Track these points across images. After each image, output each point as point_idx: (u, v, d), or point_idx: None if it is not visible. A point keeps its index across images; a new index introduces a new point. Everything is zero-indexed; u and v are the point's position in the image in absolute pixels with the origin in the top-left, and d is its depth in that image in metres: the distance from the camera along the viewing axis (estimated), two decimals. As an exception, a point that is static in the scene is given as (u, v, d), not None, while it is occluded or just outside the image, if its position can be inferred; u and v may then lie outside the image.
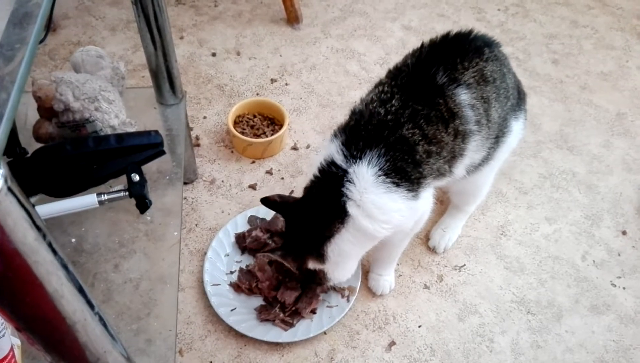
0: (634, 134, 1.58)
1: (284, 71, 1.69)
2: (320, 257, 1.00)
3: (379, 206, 0.94)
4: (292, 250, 1.03)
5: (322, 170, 0.99)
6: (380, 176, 0.93)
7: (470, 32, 1.07)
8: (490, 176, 1.23)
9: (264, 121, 1.51)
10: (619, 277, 1.29)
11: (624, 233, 1.36)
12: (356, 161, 0.94)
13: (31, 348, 0.80)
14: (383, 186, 0.93)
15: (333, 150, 0.97)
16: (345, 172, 0.94)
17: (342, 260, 1.02)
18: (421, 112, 0.96)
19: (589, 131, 1.58)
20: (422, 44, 1.05)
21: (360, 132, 0.96)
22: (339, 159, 0.95)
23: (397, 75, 1.02)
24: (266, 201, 1.08)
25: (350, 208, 0.94)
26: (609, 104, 1.65)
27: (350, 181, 0.93)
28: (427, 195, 1.02)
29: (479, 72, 1.01)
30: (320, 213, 0.98)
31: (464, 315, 1.22)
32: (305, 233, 1.01)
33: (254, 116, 1.51)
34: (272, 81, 1.66)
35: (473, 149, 1.04)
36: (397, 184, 0.94)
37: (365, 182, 0.93)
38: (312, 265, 1.02)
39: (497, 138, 1.10)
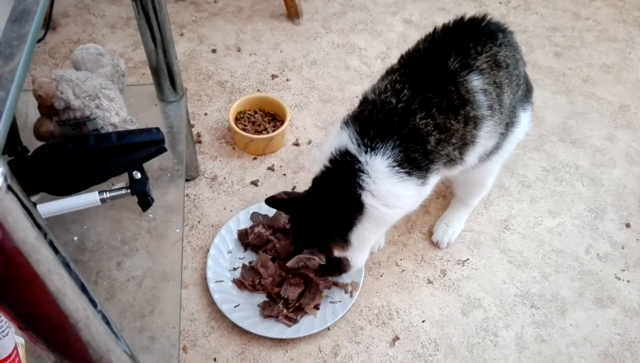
0: (637, 127, 1.57)
1: (284, 66, 1.68)
2: (345, 244, 1.01)
3: (394, 195, 0.96)
4: (315, 243, 1.02)
5: (333, 160, 0.99)
6: (394, 166, 0.94)
7: (484, 17, 1.06)
8: (496, 168, 1.22)
9: (265, 117, 1.50)
10: (623, 270, 1.28)
11: (627, 225, 1.36)
12: (369, 152, 0.95)
13: (35, 347, 0.80)
14: (396, 176, 0.95)
15: (345, 139, 0.97)
16: (359, 162, 0.95)
17: (363, 245, 1.04)
18: (433, 101, 0.96)
19: (592, 123, 1.57)
20: (435, 29, 1.04)
21: (374, 123, 0.96)
22: (353, 149, 0.96)
23: (408, 61, 1.02)
24: (272, 201, 1.07)
25: (367, 198, 0.96)
26: (611, 97, 1.64)
27: (363, 172, 0.95)
28: (434, 181, 1.03)
29: (492, 57, 1.01)
30: (339, 204, 0.98)
31: (467, 309, 1.22)
32: (327, 223, 1.00)
33: (255, 112, 1.51)
34: (273, 76, 1.65)
35: (485, 136, 1.04)
36: (410, 174, 0.96)
37: (380, 173, 0.94)
38: (337, 253, 1.02)
39: (507, 125, 1.10)
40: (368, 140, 0.95)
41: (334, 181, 0.99)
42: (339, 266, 1.05)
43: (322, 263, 1.02)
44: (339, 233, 1.00)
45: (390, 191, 0.96)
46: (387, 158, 0.94)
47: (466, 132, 1.00)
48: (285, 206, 1.08)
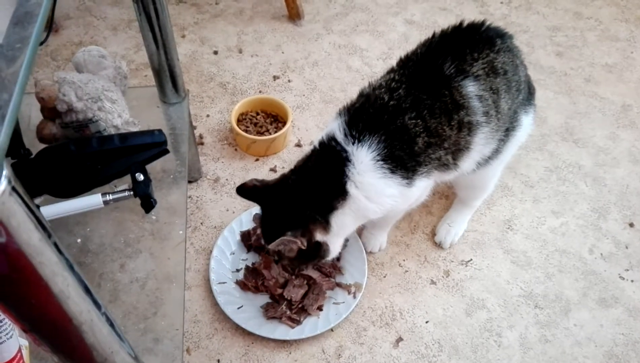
0: (639, 126, 1.57)
1: (286, 67, 1.68)
2: (327, 225, 1.00)
3: (376, 189, 0.97)
4: (296, 225, 0.99)
5: (322, 143, 1.01)
6: (378, 161, 0.95)
7: (483, 22, 1.06)
8: (498, 170, 1.22)
9: (267, 119, 1.50)
10: (627, 270, 1.28)
11: (631, 225, 1.35)
12: (355, 143, 0.96)
13: (39, 349, 0.80)
14: (380, 171, 0.96)
15: (335, 128, 0.99)
16: (345, 151, 0.96)
17: (341, 231, 1.04)
18: (425, 103, 0.96)
19: (594, 123, 1.57)
20: (434, 34, 1.05)
21: (364, 116, 0.98)
22: (340, 138, 0.98)
23: (406, 64, 1.03)
24: (243, 190, 1.04)
25: (351, 188, 0.97)
26: (614, 96, 1.64)
27: (349, 161, 0.96)
28: (423, 184, 1.03)
29: (489, 63, 1.01)
30: (323, 186, 0.99)
31: (471, 310, 1.21)
32: (310, 203, 0.99)
33: (257, 114, 1.51)
34: (275, 78, 1.65)
35: (481, 142, 1.03)
36: (393, 171, 0.96)
37: (364, 165, 0.95)
38: (318, 236, 1.01)
39: (508, 130, 1.09)
40: (356, 132, 0.96)
41: (321, 165, 1.00)
42: (319, 252, 1.03)
43: (302, 247, 0.99)
44: (321, 214, 0.99)
45: (372, 185, 0.96)
46: (372, 151, 0.95)
47: (460, 137, 1.00)
48: (257, 193, 1.04)
